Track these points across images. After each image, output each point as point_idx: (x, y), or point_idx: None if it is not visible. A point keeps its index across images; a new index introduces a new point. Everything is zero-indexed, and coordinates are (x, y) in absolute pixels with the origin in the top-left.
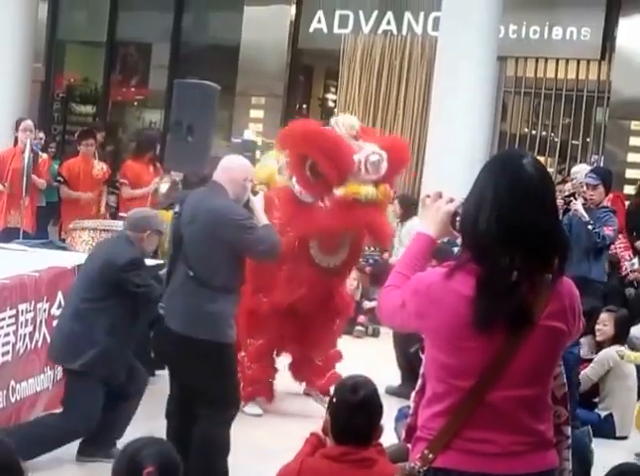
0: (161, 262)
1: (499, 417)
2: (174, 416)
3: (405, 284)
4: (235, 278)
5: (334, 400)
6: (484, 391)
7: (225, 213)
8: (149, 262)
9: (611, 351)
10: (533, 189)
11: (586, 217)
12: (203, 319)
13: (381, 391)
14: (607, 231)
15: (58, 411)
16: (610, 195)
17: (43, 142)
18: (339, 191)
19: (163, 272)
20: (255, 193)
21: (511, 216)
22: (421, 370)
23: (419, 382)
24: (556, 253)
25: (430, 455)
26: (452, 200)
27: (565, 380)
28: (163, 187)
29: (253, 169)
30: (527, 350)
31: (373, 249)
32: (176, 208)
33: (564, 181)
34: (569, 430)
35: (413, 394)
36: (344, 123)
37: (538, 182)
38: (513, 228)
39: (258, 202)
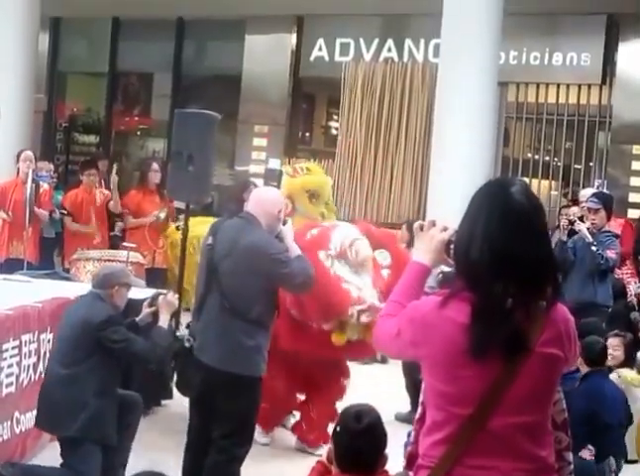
0: (152, 292)
1: (500, 444)
2: (191, 448)
3: (401, 312)
4: (270, 311)
5: (338, 428)
6: (484, 418)
7: (262, 247)
8: (142, 294)
9: (614, 376)
10: (524, 218)
11: (590, 238)
12: (239, 353)
13: (391, 417)
14: (610, 254)
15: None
16: (622, 221)
17: (52, 173)
18: (326, 326)
19: (138, 319)
20: (284, 223)
21: (503, 245)
22: (421, 398)
23: (419, 410)
24: (549, 280)
25: None
26: (445, 229)
27: (564, 406)
28: (162, 216)
29: (284, 200)
30: (524, 377)
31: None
32: (209, 240)
33: (567, 206)
34: (570, 456)
35: (414, 422)
36: (358, 252)
37: (528, 210)
38: (505, 257)
39: (288, 232)
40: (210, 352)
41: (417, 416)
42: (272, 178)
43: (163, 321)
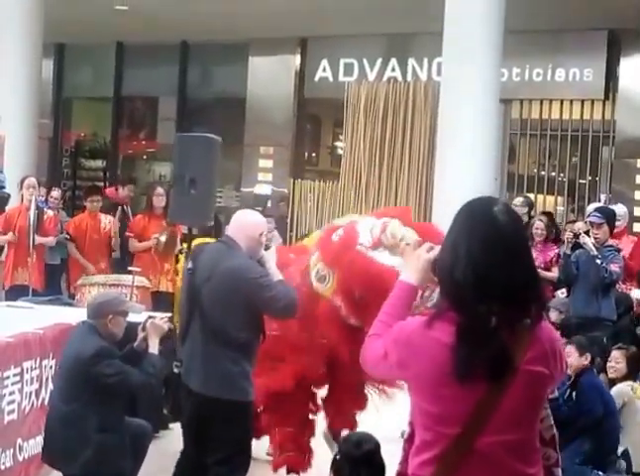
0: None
1: (488, 463)
2: (179, 472)
3: (387, 333)
4: (254, 336)
5: (337, 456)
6: (471, 437)
7: (243, 272)
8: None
9: (624, 387)
10: (507, 238)
11: (595, 251)
12: (226, 380)
13: (397, 435)
14: (614, 268)
15: None
16: (634, 238)
17: (58, 201)
18: None
19: (135, 345)
20: (267, 248)
21: (486, 267)
22: (409, 418)
23: (408, 430)
24: (533, 298)
25: None
26: (432, 249)
27: (552, 422)
28: (162, 240)
29: (266, 223)
30: (511, 396)
31: None
32: (189, 264)
33: (573, 221)
34: (559, 472)
35: (402, 442)
36: (394, 233)
37: (510, 230)
38: (488, 278)
39: (271, 257)
40: (197, 378)
41: (406, 436)
42: (260, 203)
43: (153, 346)
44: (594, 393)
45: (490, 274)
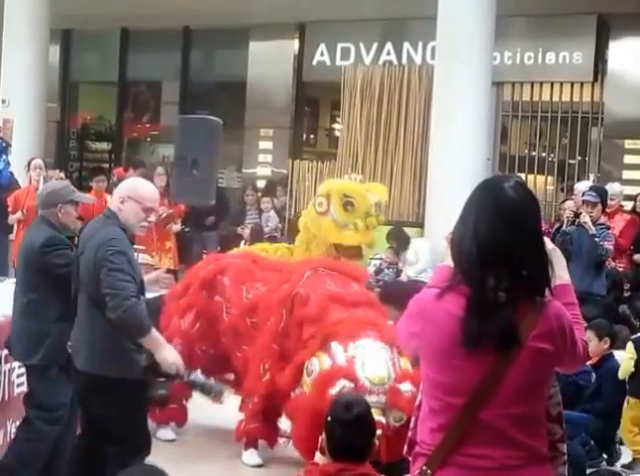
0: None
1: (492, 434)
2: (79, 454)
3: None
4: None
5: (329, 418)
6: (477, 408)
7: (102, 241)
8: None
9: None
10: (511, 213)
11: (594, 230)
12: (107, 356)
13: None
14: (608, 245)
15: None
16: (628, 217)
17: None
18: None
19: None
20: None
21: (489, 243)
22: (421, 386)
23: (419, 397)
24: (539, 276)
25: (428, 471)
26: None
27: (560, 399)
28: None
29: (155, 194)
30: (516, 371)
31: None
32: (76, 239)
33: (566, 200)
34: (564, 448)
35: (414, 409)
36: None
37: (517, 206)
38: (492, 254)
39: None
40: (80, 357)
41: (417, 402)
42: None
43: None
44: (615, 382)
45: (493, 249)
